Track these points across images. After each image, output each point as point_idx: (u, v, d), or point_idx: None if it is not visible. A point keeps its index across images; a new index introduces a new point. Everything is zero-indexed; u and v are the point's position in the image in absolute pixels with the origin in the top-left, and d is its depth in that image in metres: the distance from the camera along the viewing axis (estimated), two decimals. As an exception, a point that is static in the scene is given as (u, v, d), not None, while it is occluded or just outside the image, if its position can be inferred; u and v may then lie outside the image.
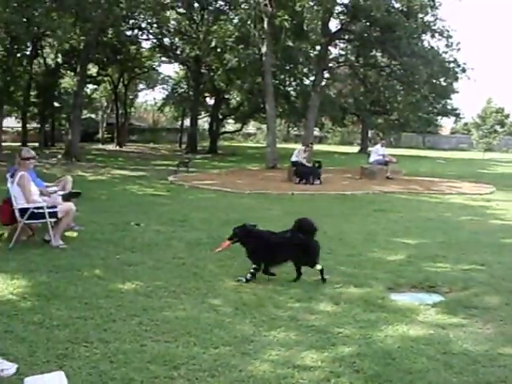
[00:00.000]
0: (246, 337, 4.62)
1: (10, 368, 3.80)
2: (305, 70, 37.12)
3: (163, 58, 45.76)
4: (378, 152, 20.83)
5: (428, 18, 27.90)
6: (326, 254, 7.53)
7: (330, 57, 33.12)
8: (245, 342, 4.51)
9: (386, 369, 4.12)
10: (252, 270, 6.26)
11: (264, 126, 54.84)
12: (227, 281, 6.19)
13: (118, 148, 43.76)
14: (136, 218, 9.87)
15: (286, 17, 27.62)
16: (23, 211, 7.62)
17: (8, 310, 5.04)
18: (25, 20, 19.42)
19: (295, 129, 58.14)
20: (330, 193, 15.45)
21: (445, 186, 18.14)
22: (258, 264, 6.31)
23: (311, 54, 35.05)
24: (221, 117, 44.61)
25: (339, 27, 29.42)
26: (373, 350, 4.49)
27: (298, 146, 21.00)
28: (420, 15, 27.39)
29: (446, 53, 29.51)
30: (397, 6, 26.93)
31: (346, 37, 32.03)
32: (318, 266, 6.34)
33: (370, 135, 52.22)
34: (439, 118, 53.65)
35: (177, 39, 41.33)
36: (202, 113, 48.37)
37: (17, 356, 4.07)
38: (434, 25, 28.03)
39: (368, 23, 27.62)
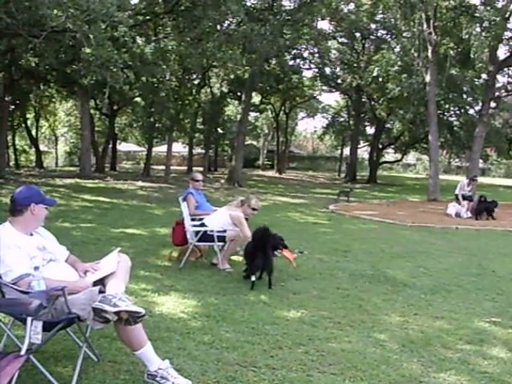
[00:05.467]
0: (415, 377, 4.43)
1: (184, 384, 3.94)
2: (469, 99, 35.98)
3: (324, 87, 46.35)
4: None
5: None
6: (497, 295, 7.16)
7: (498, 85, 31.72)
8: (413, 382, 4.33)
9: None
10: None
11: (424, 157, 53.76)
12: (393, 315, 6.04)
13: (277, 175, 44.79)
14: (299, 245, 9.92)
15: (452, 45, 26.99)
16: (195, 233, 8.00)
17: (180, 328, 5.25)
18: (200, 52, 20.73)
19: (456, 160, 56.30)
20: (497, 229, 14.63)
21: None
22: None
23: (476, 83, 33.91)
24: (380, 146, 44.19)
25: (508, 54, 28.15)
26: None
27: (462, 179, 20.17)
28: None
29: None
30: None
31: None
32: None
33: (539, 168, 49.32)
34: None
35: (338, 68, 41.67)
36: (362, 142, 48.24)
37: (190, 373, 4.21)
38: None
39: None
